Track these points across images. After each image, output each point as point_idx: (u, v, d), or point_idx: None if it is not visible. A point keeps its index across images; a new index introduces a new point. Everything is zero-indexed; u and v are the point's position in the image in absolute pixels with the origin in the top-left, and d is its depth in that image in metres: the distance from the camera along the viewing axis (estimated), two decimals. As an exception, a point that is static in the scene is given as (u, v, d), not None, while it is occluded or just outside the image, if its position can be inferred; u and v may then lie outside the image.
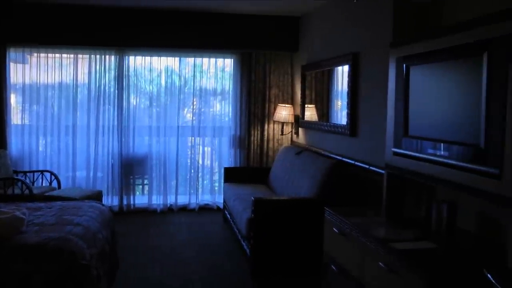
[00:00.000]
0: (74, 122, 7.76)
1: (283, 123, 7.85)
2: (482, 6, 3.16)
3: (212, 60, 8.11)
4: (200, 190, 8.21)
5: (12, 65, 7.55)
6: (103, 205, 5.21)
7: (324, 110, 6.80)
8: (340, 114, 6.16)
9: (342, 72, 6.06)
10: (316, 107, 7.05)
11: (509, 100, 2.43)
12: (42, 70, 7.67)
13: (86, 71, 7.77)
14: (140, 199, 8.13)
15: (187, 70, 8.08)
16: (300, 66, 7.50)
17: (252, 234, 5.15)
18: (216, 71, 8.16)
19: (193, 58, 8.03)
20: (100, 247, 4.15)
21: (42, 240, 3.71)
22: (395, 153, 3.57)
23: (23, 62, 7.64)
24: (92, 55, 7.72)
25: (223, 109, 8.28)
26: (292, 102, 7.98)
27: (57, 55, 7.70)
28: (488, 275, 2.34)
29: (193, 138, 8.15)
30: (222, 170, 7.68)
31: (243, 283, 5.06)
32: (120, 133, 7.80)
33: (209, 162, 8.40)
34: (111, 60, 7.74)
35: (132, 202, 7.92)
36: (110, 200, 7.80)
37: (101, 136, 7.79)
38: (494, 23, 2.55)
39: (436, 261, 2.82)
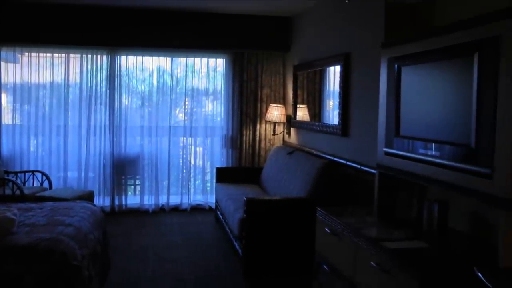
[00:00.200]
0: (66, 122, 7.73)
1: (275, 123, 7.86)
2: (473, 7, 3.17)
3: (204, 60, 8.10)
4: (192, 190, 8.20)
5: (3, 64, 7.52)
6: (94, 205, 5.20)
7: (316, 110, 6.81)
8: (332, 114, 6.16)
9: (334, 72, 6.07)
10: (308, 107, 7.06)
11: (499, 100, 2.44)
12: (33, 70, 7.64)
13: (78, 70, 7.74)
14: (132, 199, 8.10)
15: (179, 70, 8.08)
16: (292, 66, 7.51)
17: (244, 234, 5.14)
18: (208, 71, 8.16)
19: (185, 58, 8.02)
20: (92, 247, 4.15)
21: (33, 241, 3.70)
22: (387, 153, 3.58)
23: (14, 61, 7.61)
24: (83, 55, 7.70)
25: (215, 109, 8.28)
26: (284, 102, 7.98)
27: (48, 54, 7.69)
28: (479, 274, 2.35)
29: (185, 138, 8.14)
30: (214, 170, 7.66)
31: (235, 283, 5.06)
32: (111, 133, 7.77)
33: (201, 162, 8.40)
34: (102, 59, 7.72)
35: (124, 203, 7.90)
36: (102, 201, 7.78)
37: (93, 136, 7.77)
38: (484, 24, 2.57)
39: (428, 260, 2.83)
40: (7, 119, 7.66)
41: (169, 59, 7.98)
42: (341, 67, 5.64)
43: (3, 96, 7.62)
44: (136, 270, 5.33)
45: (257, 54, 7.94)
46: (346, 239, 3.44)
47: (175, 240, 6.45)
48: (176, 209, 8.06)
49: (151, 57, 7.95)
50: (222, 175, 7.39)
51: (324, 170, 5.40)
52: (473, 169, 2.63)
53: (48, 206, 4.88)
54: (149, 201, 7.99)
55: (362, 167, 4.99)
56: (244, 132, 8.00)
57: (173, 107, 8.09)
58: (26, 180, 7.31)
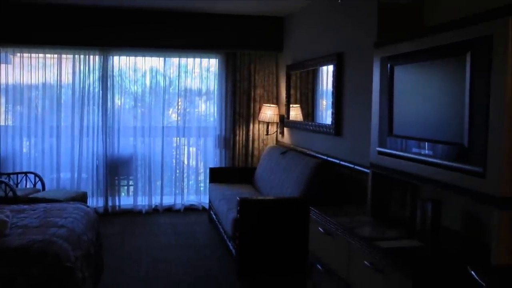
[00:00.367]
0: (58, 123, 7.70)
1: (268, 123, 7.86)
2: (466, 7, 3.18)
3: (197, 60, 8.09)
4: (185, 190, 8.19)
5: (-5, 65, 7.48)
6: (87, 206, 5.18)
7: (309, 109, 6.82)
8: (325, 113, 6.17)
9: (327, 72, 6.07)
10: (301, 107, 7.06)
11: (492, 99, 2.45)
12: (25, 70, 7.59)
13: (70, 71, 7.71)
14: (125, 200, 8.08)
15: (171, 70, 8.07)
16: (285, 66, 7.51)
17: (237, 234, 5.14)
18: (201, 71, 8.15)
19: (177, 58, 8.01)
20: (85, 249, 4.13)
21: (26, 243, 3.67)
22: (380, 152, 3.58)
23: (6, 62, 7.57)
24: (76, 55, 7.67)
25: (208, 109, 8.27)
26: (277, 102, 7.98)
27: (40, 55, 7.65)
28: (472, 272, 2.35)
29: (178, 138, 8.14)
30: (208, 171, 7.65)
31: (229, 283, 5.06)
32: (104, 133, 7.75)
33: (194, 162, 8.39)
34: (95, 60, 7.70)
35: (117, 203, 7.88)
36: (95, 202, 7.76)
37: (86, 137, 7.74)
38: (477, 23, 2.57)
39: (421, 259, 2.83)
40: (-1, 120, 7.64)
41: (161, 59, 7.97)
42: (334, 67, 5.64)
43: (-4, 97, 7.59)
44: (130, 271, 5.32)
45: (250, 54, 7.94)
46: (340, 239, 3.44)
47: (168, 241, 6.44)
48: (169, 210, 8.04)
49: (143, 58, 7.94)
50: (216, 175, 7.38)
51: (317, 169, 5.40)
52: (466, 168, 2.64)
53: (41, 207, 4.85)
54: (142, 201, 7.97)
55: (355, 167, 5.00)
56: (237, 132, 8.00)
57: (166, 108, 8.07)
58: (19, 181, 7.27)
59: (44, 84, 7.67)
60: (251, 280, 5.12)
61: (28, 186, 7.25)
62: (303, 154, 6.32)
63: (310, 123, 6.45)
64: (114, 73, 7.80)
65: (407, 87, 3.30)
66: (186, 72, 8.08)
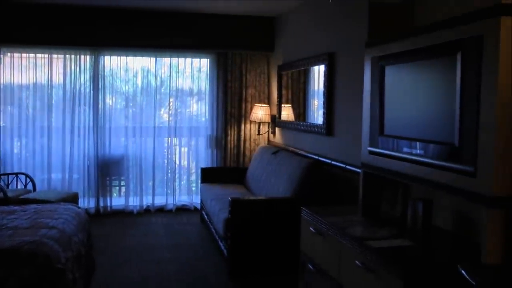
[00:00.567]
0: (49, 123, 7.66)
1: (259, 123, 7.86)
2: (456, 7, 3.19)
3: (188, 60, 8.08)
4: (177, 190, 8.18)
5: (-15, 65, 7.44)
6: (78, 207, 5.16)
7: (301, 109, 6.82)
8: (317, 113, 6.18)
9: (319, 72, 6.07)
10: (293, 107, 7.07)
11: (482, 99, 2.46)
12: (16, 71, 7.55)
13: (61, 71, 7.68)
14: (117, 200, 8.06)
15: (163, 70, 8.05)
16: (277, 66, 7.51)
17: (229, 234, 5.14)
18: (192, 71, 8.13)
19: (169, 58, 8.00)
20: (76, 250, 4.11)
21: (16, 244, 3.66)
22: (371, 152, 3.59)
23: (-4, 62, 7.54)
24: (67, 55, 7.63)
25: (200, 109, 8.26)
26: (268, 102, 7.98)
27: (31, 55, 7.60)
28: (463, 271, 2.36)
29: (169, 138, 8.13)
30: (199, 171, 7.64)
31: (220, 283, 5.05)
32: (96, 134, 7.72)
33: (186, 162, 8.38)
34: (86, 60, 7.67)
35: (108, 204, 7.85)
36: (87, 202, 7.73)
37: (77, 137, 7.71)
38: (467, 23, 2.58)
39: (412, 258, 2.84)
40: (-11, 121, 7.59)
41: (153, 59, 7.95)
42: (325, 67, 5.65)
43: (-15, 97, 7.54)
44: (121, 271, 5.31)
45: (241, 54, 7.93)
46: (331, 239, 3.44)
47: (160, 241, 6.42)
48: (161, 210, 8.03)
49: (135, 57, 7.91)
50: (207, 176, 7.37)
51: (309, 169, 5.41)
52: (457, 168, 2.64)
53: (32, 208, 4.83)
54: (134, 202, 7.95)
55: (347, 166, 5.01)
56: (229, 132, 7.99)
57: (157, 108, 8.06)
58: (9, 182, 7.23)
59: (35, 84, 7.62)
60: (243, 280, 5.12)
61: (19, 187, 7.22)
62: (294, 154, 6.32)
63: (301, 123, 6.45)
64: (105, 73, 7.78)
65: (398, 87, 3.31)
66: (177, 72, 8.07)
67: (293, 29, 6.99)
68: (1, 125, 7.58)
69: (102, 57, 7.71)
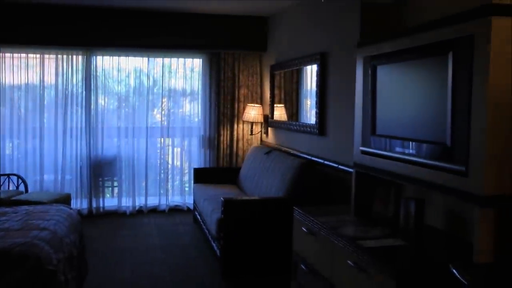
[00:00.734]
0: (42, 124, 7.62)
1: (252, 123, 7.85)
2: (448, 7, 3.19)
3: (181, 60, 8.07)
4: (170, 191, 8.16)
5: (-24, 66, 7.40)
6: (70, 208, 5.13)
7: (293, 109, 6.82)
8: (309, 113, 6.17)
9: (311, 72, 6.07)
10: (285, 107, 7.07)
11: (474, 99, 2.46)
12: (7, 71, 7.51)
13: (53, 71, 7.64)
14: (109, 201, 8.03)
15: (156, 71, 8.02)
16: (269, 66, 7.51)
17: (222, 234, 5.13)
18: (185, 71, 8.12)
19: (161, 59, 7.97)
20: (68, 251, 4.09)
21: (7, 246, 3.63)
22: (363, 152, 3.59)
23: (-13, 63, 7.49)
24: (59, 55, 7.58)
25: (193, 110, 8.25)
26: (261, 102, 7.98)
27: (23, 55, 7.56)
28: (454, 270, 2.36)
29: (162, 139, 8.11)
30: (192, 171, 7.63)
31: (213, 284, 5.04)
32: (88, 134, 7.69)
33: (179, 163, 8.36)
34: (78, 60, 7.63)
35: (101, 205, 7.82)
36: (79, 203, 7.69)
37: (69, 138, 7.67)
38: (458, 23, 2.58)
39: (404, 257, 2.84)
40: (-19, 122, 7.54)
41: (145, 59, 7.92)
42: (317, 67, 5.65)
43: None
44: (114, 272, 5.29)
45: (234, 54, 7.92)
46: (323, 239, 3.44)
47: (153, 242, 6.41)
48: (154, 211, 8.01)
49: (127, 58, 7.87)
50: (200, 176, 7.36)
51: (302, 169, 5.40)
52: (448, 167, 2.65)
53: (23, 210, 4.79)
54: (126, 203, 7.92)
55: (339, 166, 5.01)
56: (222, 132, 7.98)
57: (150, 108, 8.04)
58: (1, 184, 7.19)
59: (26, 85, 7.58)
60: (235, 280, 5.11)
61: (11, 188, 7.18)
62: (287, 154, 6.32)
63: (294, 123, 6.45)
64: (98, 74, 7.74)
65: (390, 87, 3.31)
66: (170, 72, 8.05)
67: (285, 29, 6.99)
68: (-7, 126, 7.54)
69: (94, 57, 7.68)
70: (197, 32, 7.65)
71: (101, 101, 7.80)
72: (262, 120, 7.68)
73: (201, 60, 8.10)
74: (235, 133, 8.00)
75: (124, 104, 7.99)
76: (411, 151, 3.01)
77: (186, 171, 8.27)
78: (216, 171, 7.70)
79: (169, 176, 8.17)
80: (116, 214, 7.81)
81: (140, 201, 7.98)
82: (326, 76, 5.51)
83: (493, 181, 2.43)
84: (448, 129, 2.65)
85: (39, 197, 6.42)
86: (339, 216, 3.74)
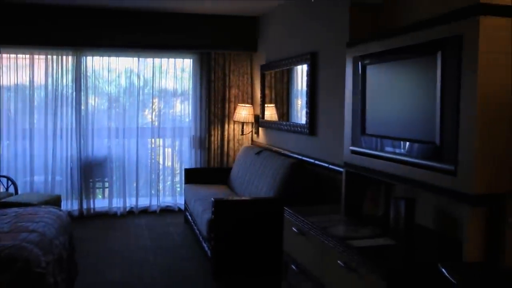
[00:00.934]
0: (31, 125, 7.57)
1: (243, 123, 7.84)
2: (437, 7, 3.20)
3: (171, 60, 8.04)
4: (161, 192, 8.14)
5: (-35, 67, 7.34)
6: (60, 210, 5.10)
7: (284, 109, 6.81)
8: (300, 113, 6.17)
9: (301, 72, 6.07)
10: (276, 107, 7.06)
11: (462, 98, 2.47)
12: (-4, 72, 7.47)
13: (43, 72, 7.58)
14: (100, 202, 7.98)
15: (146, 71, 7.99)
16: (259, 66, 7.50)
17: (212, 235, 5.12)
18: (176, 72, 8.10)
19: (152, 59, 7.94)
20: (57, 253, 4.06)
21: (-5, 249, 3.60)
22: (353, 152, 3.60)
23: (-24, 63, 7.43)
24: (48, 56, 7.53)
25: (184, 110, 8.22)
26: (252, 102, 7.97)
27: (12, 55, 7.50)
28: (443, 269, 2.36)
29: (153, 139, 8.08)
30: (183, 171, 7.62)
31: (204, 284, 5.04)
32: (78, 135, 7.64)
33: (170, 163, 8.34)
34: (68, 60, 7.58)
35: (92, 206, 7.78)
36: (70, 205, 7.64)
37: (59, 139, 7.62)
38: (447, 23, 2.59)
39: (394, 257, 2.84)
40: (-30, 123, 7.48)
41: (136, 59, 7.89)
42: (308, 66, 5.64)
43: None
44: (105, 274, 5.26)
45: (225, 54, 7.91)
46: (314, 239, 3.44)
47: (143, 243, 6.38)
48: (145, 211, 7.98)
49: (117, 58, 7.85)
50: (191, 176, 7.34)
51: (292, 169, 5.40)
52: (438, 166, 2.66)
53: (12, 212, 4.76)
54: (117, 204, 7.88)
55: (330, 166, 5.01)
56: (213, 132, 7.96)
57: (141, 108, 8.01)
58: (-10, 185, 7.16)
59: (16, 86, 7.53)
60: (227, 280, 5.10)
61: (1, 190, 7.13)
62: (278, 154, 6.31)
63: (285, 123, 6.44)
64: (88, 74, 7.70)
65: (380, 87, 3.31)
66: (161, 72, 8.02)
67: (275, 29, 6.99)
68: (-18, 127, 7.48)
69: (84, 57, 7.64)
70: (188, 32, 7.63)
71: (91, 101, 7.76)
72: (253, 120, 7.67)
73: (191, 60, 8.08)
74: (226, 133, 7.99)
75: (114, 105, 7.96)
76: (401, 150, 3.02)
77: (178, 171, 8.24)
78: (207, 171, 7.68)
79: (160, 177, 8.16)
80: (107, 215, 7.78)
81: (131, 202, 7.94)
82: (317, 76, 5.51)
83: (482, 180, 2.44)
84: (437, 128, 2.66)
85: (29, 198, 6.37)
86: (329, 216, 3.74)
